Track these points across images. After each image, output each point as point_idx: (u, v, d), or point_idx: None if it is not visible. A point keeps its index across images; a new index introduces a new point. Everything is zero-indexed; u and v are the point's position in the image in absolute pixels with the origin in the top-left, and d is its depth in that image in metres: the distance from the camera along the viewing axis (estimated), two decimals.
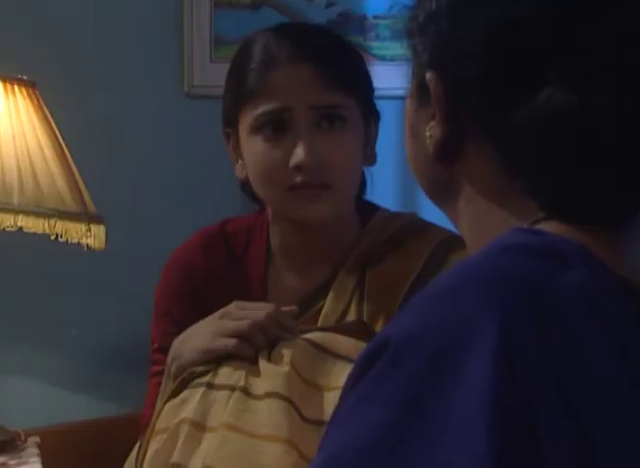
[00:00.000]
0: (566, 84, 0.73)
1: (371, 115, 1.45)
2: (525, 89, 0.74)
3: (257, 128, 1.38)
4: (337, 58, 1.40)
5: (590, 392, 0.65)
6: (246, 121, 1.39)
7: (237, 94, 1.41)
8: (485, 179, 0.79)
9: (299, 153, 1.35)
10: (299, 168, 1.35)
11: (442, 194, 0.85)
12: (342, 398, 0.71)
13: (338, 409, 0.72)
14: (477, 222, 0.82)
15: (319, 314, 1.40)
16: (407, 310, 0.71)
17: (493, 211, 0.79)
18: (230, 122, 1.44)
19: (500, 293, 0.67)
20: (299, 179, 1.36)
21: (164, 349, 1.45)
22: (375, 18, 2.21)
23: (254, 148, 1.39)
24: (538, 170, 0.75)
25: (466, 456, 0.62)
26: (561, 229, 0.73)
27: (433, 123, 0.81)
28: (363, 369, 0.69)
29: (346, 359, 1.20)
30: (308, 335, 1.24)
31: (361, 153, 1.42)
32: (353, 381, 0.70)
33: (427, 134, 0.81)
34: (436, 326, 0.67)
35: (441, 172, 0.82)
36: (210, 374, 1.21)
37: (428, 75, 0.80)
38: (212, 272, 1.48)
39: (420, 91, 0.82)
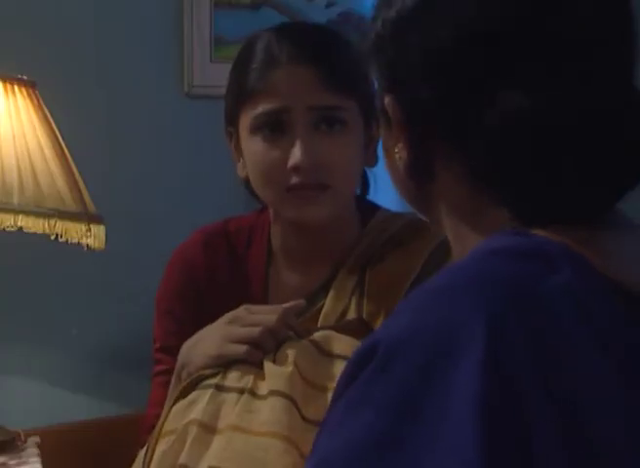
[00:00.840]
0: (522, 86, 0.73)
1: (372, 117, 1.44)
2: (485, 95, 0.74)
3: (256, 128, 1.38)
4: (338, 59, 1.40)
5: (577, 391, 0.66)
6: (246, 120, 1.39)
7: (238, 93, 1.41)
8: (457, 196, 0.80)
9: (296, 154, 1.35)
10: (296, 169, 1.35)
11: (422, 207, 0.87)
12: (333, 402, 0.71)
13: (329, 413, 0.71)
14: (454, 234, 0.83)
15: (319, 313, 1.40)
16: (395, 313, 0.71)
17: (467, 225, 0.80)
18: (232, 121, 1.44)
19: (487, 295, 0.68)
20: (296, 180, 1.35)
21: (166, 348, 1.45)
22: None
23: (253, 148, 1.39)
24: (506, 177, 0.75)
25: (457, 463, 0.62)
26: (542, 232, 0.74)
27: (400, 145, 0.81)
28: (353, 373, 0.69)
29: (346, 359, 1.19)
30: (312, 336, 1.24)
31: (361, 155, 1.41)
32: (344, 385, 0.70)
33: (397, 156, 0.82)
34: (424, 329, 0.67)
35: (416, 190, 0.84)
36: (219, 376, 1.21)
37: (386, 100, 0.81)
38: (213, 271, 1.48)
39: (383, 114, 0.83)
